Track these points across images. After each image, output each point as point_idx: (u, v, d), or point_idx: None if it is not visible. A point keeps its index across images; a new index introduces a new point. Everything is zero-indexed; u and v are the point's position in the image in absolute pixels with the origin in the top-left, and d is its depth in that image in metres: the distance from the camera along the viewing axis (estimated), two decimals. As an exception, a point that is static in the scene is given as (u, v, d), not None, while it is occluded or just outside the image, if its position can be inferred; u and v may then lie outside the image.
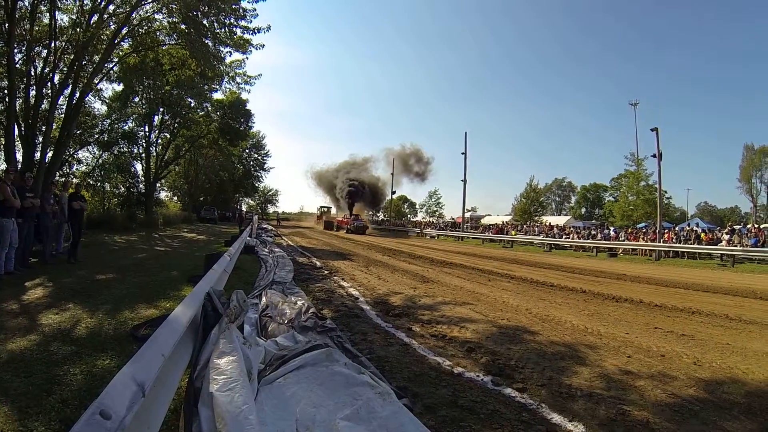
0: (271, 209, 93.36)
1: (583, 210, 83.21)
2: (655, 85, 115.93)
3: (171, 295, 7.32)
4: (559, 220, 54.65)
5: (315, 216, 72.17)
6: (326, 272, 12.09)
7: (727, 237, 26.41)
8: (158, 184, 41.04)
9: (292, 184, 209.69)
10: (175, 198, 59.48)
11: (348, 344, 4.72)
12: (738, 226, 30.47)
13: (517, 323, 6.95)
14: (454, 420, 3.39)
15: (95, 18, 18.17)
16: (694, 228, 32.70)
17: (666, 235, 28.78)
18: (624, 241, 30.12)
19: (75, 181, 25.35)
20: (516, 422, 3.44)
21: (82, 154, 29.92)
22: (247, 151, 69.78)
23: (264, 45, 22.04)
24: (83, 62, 18.59)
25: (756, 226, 32.11)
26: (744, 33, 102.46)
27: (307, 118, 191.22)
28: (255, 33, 20.81)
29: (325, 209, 68.73)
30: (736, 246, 24.22)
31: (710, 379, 4.75)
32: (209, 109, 38.25)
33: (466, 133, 50.05)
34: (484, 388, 4.12)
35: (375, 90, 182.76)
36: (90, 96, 23.78)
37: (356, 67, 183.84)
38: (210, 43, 20.62)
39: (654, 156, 29.19)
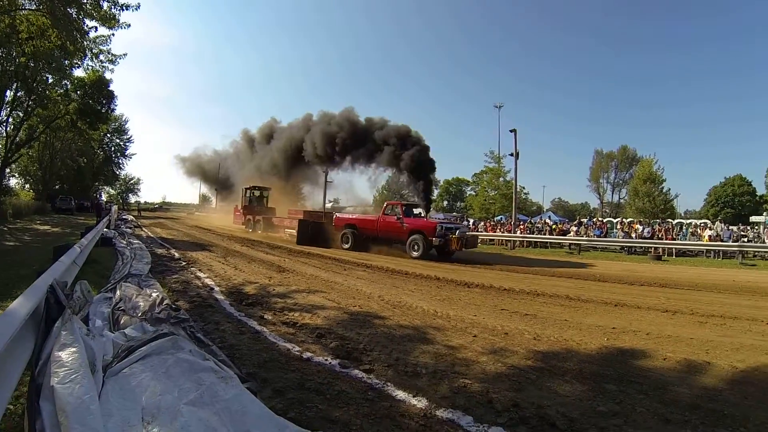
0: (132, 199, 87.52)
1: (445, 202, 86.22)
2: (519, 89, 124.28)
3: (18, 295, 6.82)
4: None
5: (234, 207, 37.16)
6: (184, 263, 11.85)
7: (575, 228, 29.29)
8: (8, 170, 37.11)
9: (156, 173, 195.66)
10: (27, 186, 53.65)
11: (200, 334, 4.72)
12: (585, 220, 33.95)
13: (368, 309, 7.27)
14: (301, 402, 3.54)
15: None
16: (546, 221, 35.86)
17: (521, 227, 31.14)
18: (482, 232, 32.03)
19: None
20: (361, 400, 3.65)
21: None
22: (108, 135, 63.94)
23: (130, 25, 20.60)
24: None
25: (600, 219, 36.78)
26: (597, 51, 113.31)
27: (175, 102, 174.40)
28: (124, 9, 19.46)
29: (256, 192, 34.54)
30: (582, 236, 27.07)
31: (547, 351, 5.33)
32: (69, 87, 34.83)
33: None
34: (332, 371, 4.31)
35: (252, 77, 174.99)
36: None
37: (234, 52, 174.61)
38: (74, 13, 19.01)
39: (512, 155, 31.37)
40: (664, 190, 50.72)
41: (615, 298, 9.21)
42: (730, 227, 29.73)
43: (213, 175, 52.37)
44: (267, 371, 4.17)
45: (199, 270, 10.69)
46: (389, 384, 4.05)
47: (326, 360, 4.62)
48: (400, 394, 3.84)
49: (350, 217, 22.94)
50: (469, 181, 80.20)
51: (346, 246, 20.41)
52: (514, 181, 32.94)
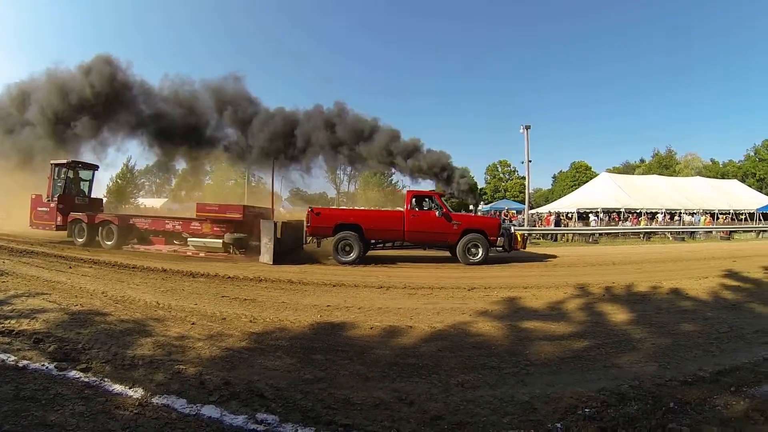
0: None
1: (183, 192, 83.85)
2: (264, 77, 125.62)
3: None
4: (157, 202, 55.16)
5: (33, 196, 18.92)
6: None
7: (308, 216, 32.28)
8: None
9: None
10: None
11: None
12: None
13: (90, 307, 7.17)
14: (16, 413, 3.51)
15: None
16: (280, 209, 39.50)
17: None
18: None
19: None
20: (77, 400, 3.76)
21: None
22: None
23: None
24: None
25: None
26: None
27: None
28: None
29: (71, 173, 19.41)
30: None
31: (262, 331, 6.05)
32: None
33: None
34: (49, 376, 4.29)
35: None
36: None
37: None
38: None
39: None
40: (393, 182, 58.40)
41: (335, 280, 10.35)
42: (453, 214, 36.32)
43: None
44: (-22, 389, 4.02)
45: None
46: (106, 379, 4.22)
47: (43, 365, 4.57)
48: (117, 388, 4.03)
49: (345, 211, 17.65)
50: (208, 172, 79.18)
51: (349, 258, 14.39)
52: (247, 173, 33.41)
